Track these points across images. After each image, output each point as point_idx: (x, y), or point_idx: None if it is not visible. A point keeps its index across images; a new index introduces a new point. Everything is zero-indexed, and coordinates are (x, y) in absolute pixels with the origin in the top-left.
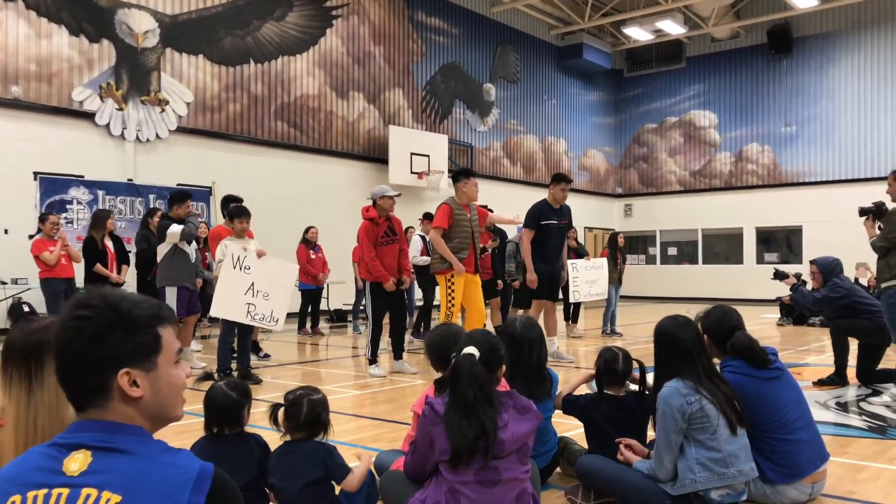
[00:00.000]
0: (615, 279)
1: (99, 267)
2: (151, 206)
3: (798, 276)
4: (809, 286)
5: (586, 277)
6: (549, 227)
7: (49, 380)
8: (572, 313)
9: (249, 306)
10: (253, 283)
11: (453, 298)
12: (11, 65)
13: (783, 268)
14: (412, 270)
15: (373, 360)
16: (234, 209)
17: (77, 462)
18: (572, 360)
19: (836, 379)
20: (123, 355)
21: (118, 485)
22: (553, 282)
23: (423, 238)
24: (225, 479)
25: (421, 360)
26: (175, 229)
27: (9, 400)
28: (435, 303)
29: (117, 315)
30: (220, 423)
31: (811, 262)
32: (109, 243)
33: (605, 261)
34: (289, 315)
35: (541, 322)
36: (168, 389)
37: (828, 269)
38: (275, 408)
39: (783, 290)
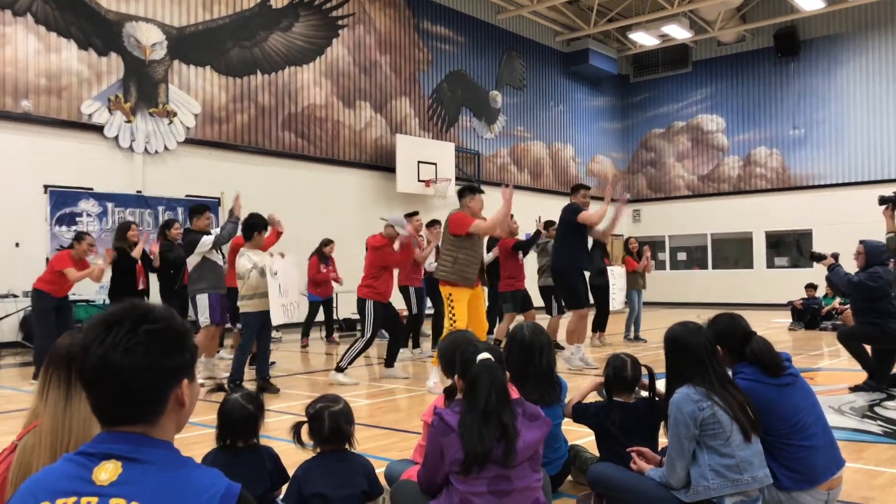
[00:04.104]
0: (640, 285)
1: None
2: (160, 217)
3: (836, 255)
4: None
5: (619, 285)
6: (586, 228)
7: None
8: (599, 322)
9: (284, 307)
10: (280, 285)
11: (454, 316)
12: (21, 79)
13: (794, 272)
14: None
15: (344, 369)
16: (253, 223)
17: (107, 472)
18: (596, 367)
19: (872, 383)
20: (184, 367)
21: (147, 497)
22: (587, 286)
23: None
24: (249, 499)
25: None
26: (207, 240)
27: (45, 405)
28: (429, 312)
29: (178, 328)
30: (235, 436)
31: (860, 242)
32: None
33: (623, 269)
34: (295, 325)
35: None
36: (196, 398)
37: (875, 252)
38: (297, 425)
39: (794, 293)
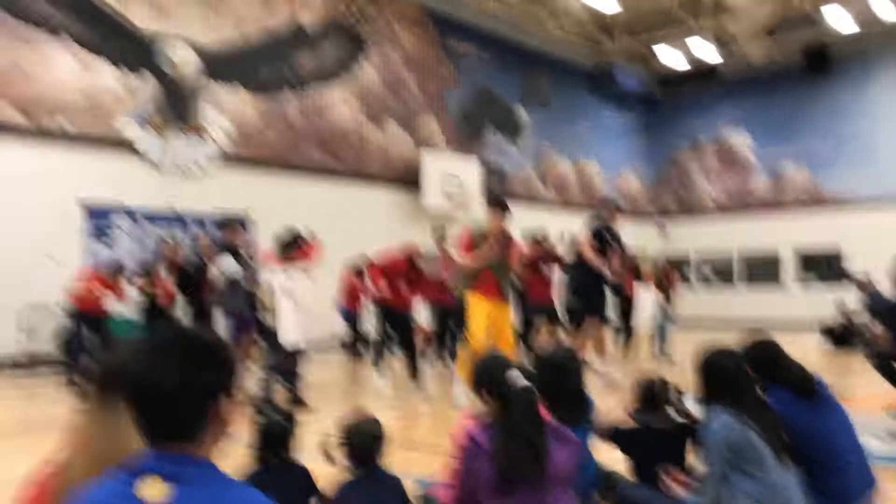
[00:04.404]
0: (668, 305)
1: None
2: (191, 233)
3: (867, 274)
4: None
5: (645, 303)
6: (608, 244)
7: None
8: (627, 339)
9: (303, 325)
10: (299, 304)
11: (471, 330)
12: (59, 97)
13: (825, 290)
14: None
15: (377, 362)
16: (292, 240)
17: (151, 489)
18: (617, 380)
19: None
20: (224, 383)
21: None
22: (605, 301)
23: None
24: None
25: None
26: (230, 269)
27: (86, 421)
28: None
29: (215, 346)
30: (268, 451)
31: None
32: (164, 272)
33: (651, 286)
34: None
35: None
36: (235, 414)
37: None
38: (328, 442)
39: (825, 312)
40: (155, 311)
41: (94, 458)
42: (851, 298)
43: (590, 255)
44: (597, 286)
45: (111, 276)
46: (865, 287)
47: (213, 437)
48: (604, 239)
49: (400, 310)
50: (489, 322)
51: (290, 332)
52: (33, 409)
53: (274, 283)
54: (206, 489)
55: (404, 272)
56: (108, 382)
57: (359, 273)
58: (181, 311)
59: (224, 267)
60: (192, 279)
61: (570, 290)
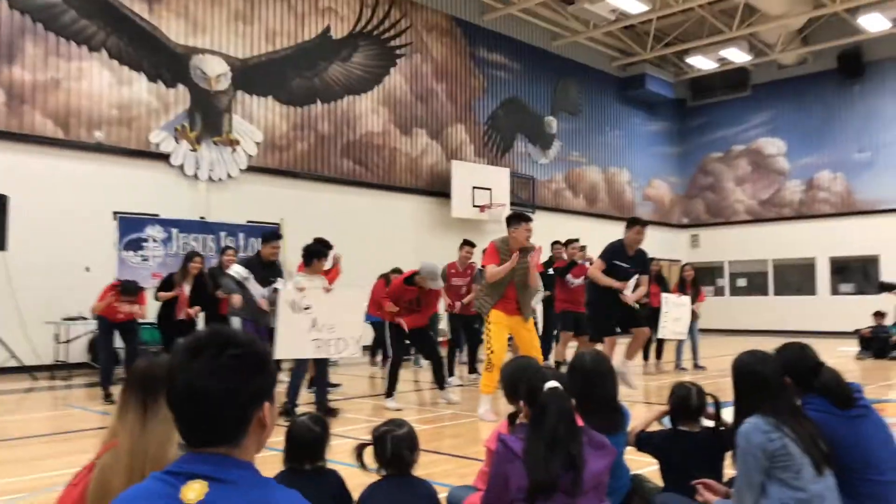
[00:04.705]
0: (694, 316)
1: (161, 294)
2: (223, 243)
3: None
4: None
5: (674, 314)
6: (618, 268)
7: (163, 413)
8: (656, 349)
9: (317, 342)
10: (315, 319)
11: (490, 338)
12: (95, 111)
13: (861, 299)
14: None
15: (390, 393)
16: (317, 249)
17: (194, 491)
18: (634, 387)
19: None
20: (266, 390)
21: None
22: (619, 315)
23: (472, 265)
24: None
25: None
26: (238, 272)
27: (123, 426)
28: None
29: (260, 352)
30: (302, 458)
31: None
32: (187, 287)
33: (688, 299)
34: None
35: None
36: (275, 420)
37: None
38: (360, 447)
39: (861, 321)
40: (175, 321)
41: (132, 462)
42: (888, 306)
43: (596, 274)
44: (607, 304)
45: (130, 291)
46: None
47: (255, 441)
48: (615, 264)
49: (417, 327)
50: (511, 334)
51: (280, 345)
52: (67, 417)
53: (282, 294)
54: (251, 491)
55: (408, 293)
56: (148, 387)
57: (387, 282)
58: (201, 321)
59: (234, 272)
60: (207, 289)
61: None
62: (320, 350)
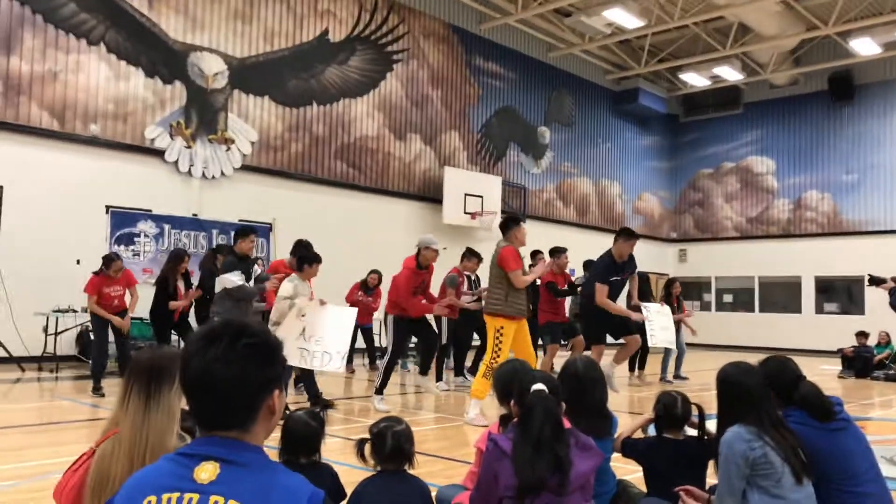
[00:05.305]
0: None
1: (173, 304)
2: (214, 241)
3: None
4: None
5: (660, 323)
6: (611, 282)
7: (164, 404)
8: (639, 360)
9: (303, 351)
10: (304, 329)
11: (500, 347)
12: (91, 104)
13: (845, 319)
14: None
15: (380, 390)
16: (309, 255)
17: (207, 472)
18: (617, 391)
19: None
20: (276, 378)
21: (243, 496)
22: (614, 323)
23: (467, 276)
24: None
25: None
26: (232, 280)
27: (125, 414)
28: (474, 342)
29: (272, 343)
30: (297, 452)
31: None
32: (181, 284)
33: (668, 308)
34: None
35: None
36: (283, 407)
37: None
38: (361, 442)
39: (844, 341)
40: (168, 315)
41: (132, 450)
42: (871, 326)
43: (607, 303)
44: (603, 313)
45: (108, 262)
46: (892, 290)
47: (264, 427)
48: (612, 281)
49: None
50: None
51: (295, 350)
52: (55, 409)
53: (287, 292)
54: (261, 473)
55: (420, 277)
56: (151, 377)
57: (366, 287)
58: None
59: (226, 281)
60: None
61: (582, 312)
62: (304, 360)
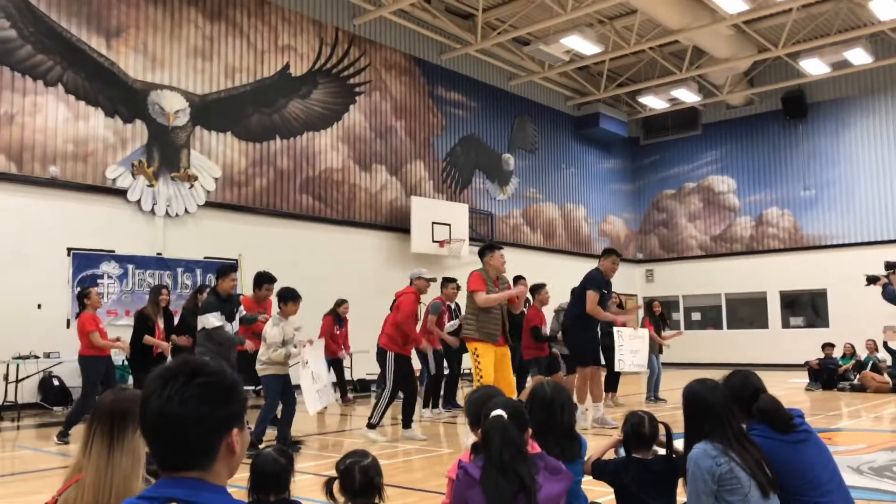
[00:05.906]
0: (656, 349)
1: (148, 338)
2: (180, 279)
3: (888, 275)
4: None
5: (630, 347)
6: (603, 295)
7: (128, 447)
8: (612, 382)
9: (319, 393)
10: (312, 372)
11: (480, 371)
12: (50, 146)
13: (810, 332)
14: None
15: (375, 425)
16: (289, 292)
17: None
18: (616, 426)
19: None
20: (236, 416)
21: None
22: (597, 348)
23: (448, 307)
24: None
25: (435, 428)
26: (211, 323)
27: (88, 459)
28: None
29: (228, 381)
30: (267, 490)
31: None
32: (160, 320)
33: (646, 331)
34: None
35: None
36: (246, 446)
37: None
38: (329, 482)
39: (811, 353)
40: (146, 352)
41: (96, 496)
42: (836, 338)
43: (597, 310)
44: (592, 335)
45: (92, 303)
46: (885, 285)
47: (225, 466)
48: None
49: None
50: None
51: (310, 401)
52: (17, 459)
53: (276, 339)
54: None
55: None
56: (114, 420)
57: (338, 319)
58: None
59: (205, 322)
60: (181, 327)
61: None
62: (322, 400)
